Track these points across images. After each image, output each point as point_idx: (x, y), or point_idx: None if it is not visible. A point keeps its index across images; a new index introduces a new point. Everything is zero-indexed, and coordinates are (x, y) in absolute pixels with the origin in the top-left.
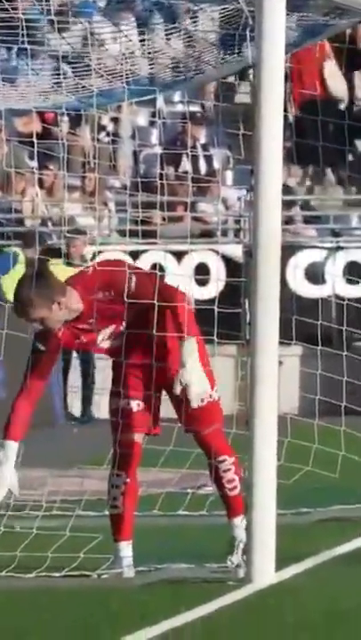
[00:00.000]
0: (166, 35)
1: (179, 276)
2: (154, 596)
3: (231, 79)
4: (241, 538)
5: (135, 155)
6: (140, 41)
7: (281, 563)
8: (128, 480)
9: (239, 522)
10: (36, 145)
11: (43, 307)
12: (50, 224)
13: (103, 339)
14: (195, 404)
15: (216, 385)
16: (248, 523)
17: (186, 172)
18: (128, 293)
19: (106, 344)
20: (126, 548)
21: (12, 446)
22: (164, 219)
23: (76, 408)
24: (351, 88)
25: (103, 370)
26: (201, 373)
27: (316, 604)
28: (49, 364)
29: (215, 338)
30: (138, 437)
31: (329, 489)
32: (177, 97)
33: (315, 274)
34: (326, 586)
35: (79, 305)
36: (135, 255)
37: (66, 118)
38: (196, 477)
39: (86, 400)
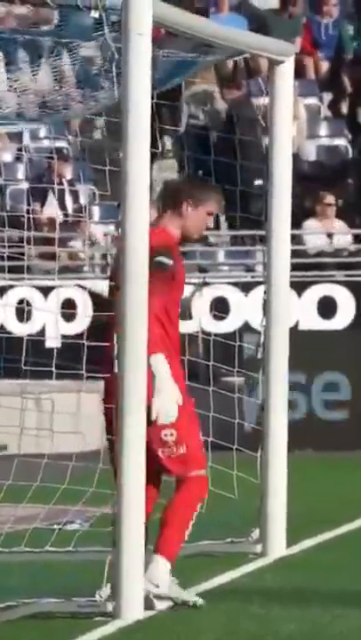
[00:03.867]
0: (32, 71)
1: (45, 312)
2: (20, 630)
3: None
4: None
5: (1, 190)
6: (8, 78)
7: (149, 598)
8: None
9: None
10: None
11: None
12: None
13: None
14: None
15: None
16: (116, 558)
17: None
18: None
19: None
20: None
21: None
22: (30, 254)
23: None
24: None
25: None
26: None
27: (181, 639)
28: None
29: (83, 372)
30: None
31: (196, 524)
32: (43, 132)
33: (181, 309)
34: (192, 621)
35: None
36: (2, 290)
37: None
38: (63, 513)
39: None
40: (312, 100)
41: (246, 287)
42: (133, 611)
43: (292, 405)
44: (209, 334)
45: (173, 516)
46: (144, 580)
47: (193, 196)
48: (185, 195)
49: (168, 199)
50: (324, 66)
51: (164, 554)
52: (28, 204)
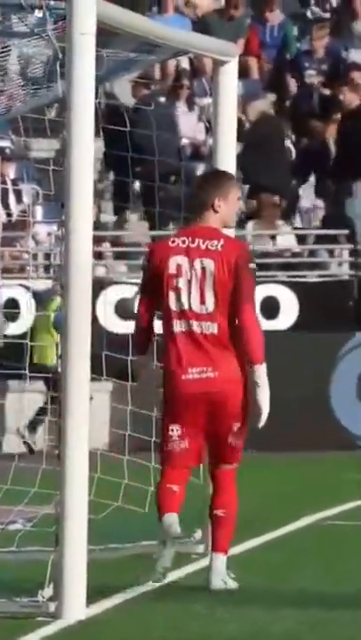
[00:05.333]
0: None
1: None
2: None
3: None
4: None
5: None
6: None
7: (90, 598)
8: None
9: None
10: None
11: None
12: None
13: None
14: None
15: None
16: (59, 558)
17: None
18: None
19: None
20: None
21: None
22: None
23: None
24: None
25: None
26: None
27: (123, 639)
28: None
29: (27, 372)
30: None
31: (138, 524)
32: None
33: (124, 309)
34: (134, 621)
35: None
36: None
37: None
38: (5, 513)
39: None
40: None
41: None
42: (75, 611)
43: None
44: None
45: (231, 511)
46: (216, 578)
47: (221, 189)
48: (214, 192)
49: (204, 198)
50: (268, 67)
51: (225, 550)
52: None
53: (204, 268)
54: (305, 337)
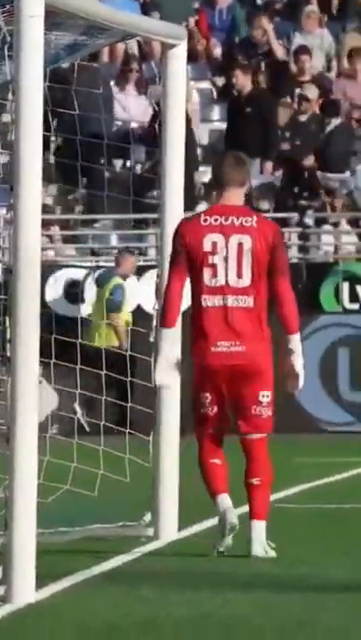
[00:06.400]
0: None
1: None
2: None
3: None
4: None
5: None
6: None
7: (40, 582)
8: None
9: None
10: None
11: None
12: None
13: None
14: None
15: None
16: (7, 542)
17: None
18: None
19: None
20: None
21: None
22: None
23: None
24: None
25: None
26: None
27: (72, 622)
28: None
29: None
30: None
31: (89, 508)
32: None
33: (74, 293)
34: (83, 604)
35: None
36: None
37: None
38: None
39: None
40: (205, 85)
41: (139, 271)
42: (25, 594)
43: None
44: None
45: (266, 479)
46: (257, 546)
47: (248, 171)
48: (244, 172)
49: (239, 178)
50: (218, 50)
51: (264, 517)
52: None
53: (240, 244)
54: None
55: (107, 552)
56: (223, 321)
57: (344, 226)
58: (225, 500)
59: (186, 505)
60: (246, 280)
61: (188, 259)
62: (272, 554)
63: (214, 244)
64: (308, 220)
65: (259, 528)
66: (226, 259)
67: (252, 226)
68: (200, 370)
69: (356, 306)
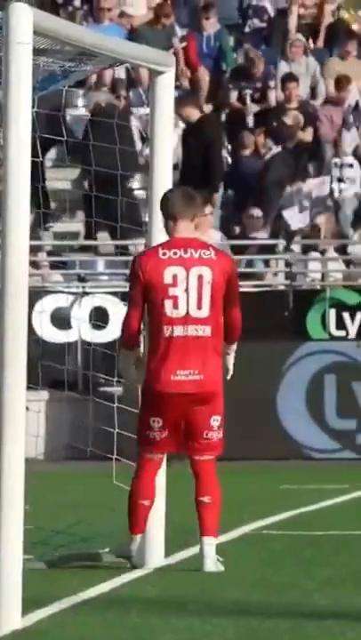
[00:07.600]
0: None
1: None
2: None
3: None
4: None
5: None
6: None
7: (25, 608)
8: None
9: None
10: None
11: None
12: None
13: None
14: None
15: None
16: None
17: None
18: None
19: None
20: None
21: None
22: None
23: None
24: None
25: None
26: None
27: None
28: None
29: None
30: None
31: (76, 534)
32: None
33: (61, 319)
34: (70, 630)
35: None
36: None
37: None
38: None
39: None
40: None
41: (126, 297)
42: (10, 621)
43: None
44: (89, 344)
45: (215, 497)
46: (209, 562)
47: (198, 206)
48: (195, 207)
49: (188, 211)
50: (206, 77)
51: (215, 534)
52: None
53: (201, 276)
54: (248, 346)
55: (93, 578)
56: (183, 350)
57: (332, 253)
58: (138, 541)
59: (172, 531)
60: (205, 310)
61: (148, 291)
62: (221, 568)
63: (175, 277)
64: (295, 247)
65: (209, 544)
66: (187, 290)
67: (211, 258)
68: (154, 395)
69: (342, 333)
